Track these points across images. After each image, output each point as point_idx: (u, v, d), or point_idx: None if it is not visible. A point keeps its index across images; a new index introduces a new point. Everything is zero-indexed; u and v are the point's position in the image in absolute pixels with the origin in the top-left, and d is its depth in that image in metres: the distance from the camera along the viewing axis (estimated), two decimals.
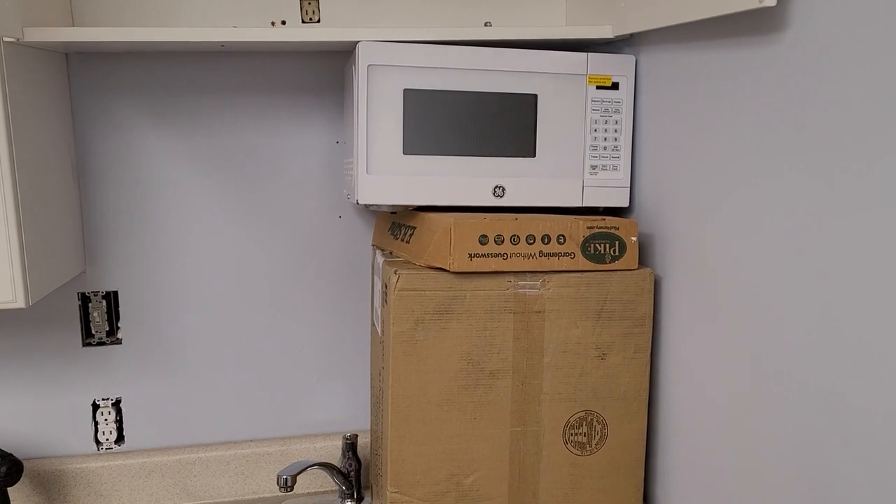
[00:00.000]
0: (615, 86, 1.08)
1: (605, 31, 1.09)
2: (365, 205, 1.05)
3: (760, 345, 0.83)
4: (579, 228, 0.99)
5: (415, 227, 1.06)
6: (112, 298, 1.29)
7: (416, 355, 0.97)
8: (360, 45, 1.02)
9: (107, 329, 1.29)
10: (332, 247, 1.34)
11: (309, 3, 1.26)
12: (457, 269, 0.95)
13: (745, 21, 0.85)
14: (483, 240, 0.96)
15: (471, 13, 1.28)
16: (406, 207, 1.09)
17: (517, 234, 0.97)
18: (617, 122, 1.09)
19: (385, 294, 1.00)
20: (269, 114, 1.29)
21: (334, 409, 1.39)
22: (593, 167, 1.09)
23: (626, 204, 1.10)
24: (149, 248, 1.28)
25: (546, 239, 0.98)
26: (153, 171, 1.27)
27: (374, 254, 1.17)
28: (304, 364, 1.36)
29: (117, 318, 1.29)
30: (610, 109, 1.08)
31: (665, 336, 1.04)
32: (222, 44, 1.10)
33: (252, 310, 1.33)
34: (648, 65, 1.07)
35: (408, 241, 1.07)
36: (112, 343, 1.30)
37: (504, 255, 0.97)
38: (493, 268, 0.96)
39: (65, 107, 1.19)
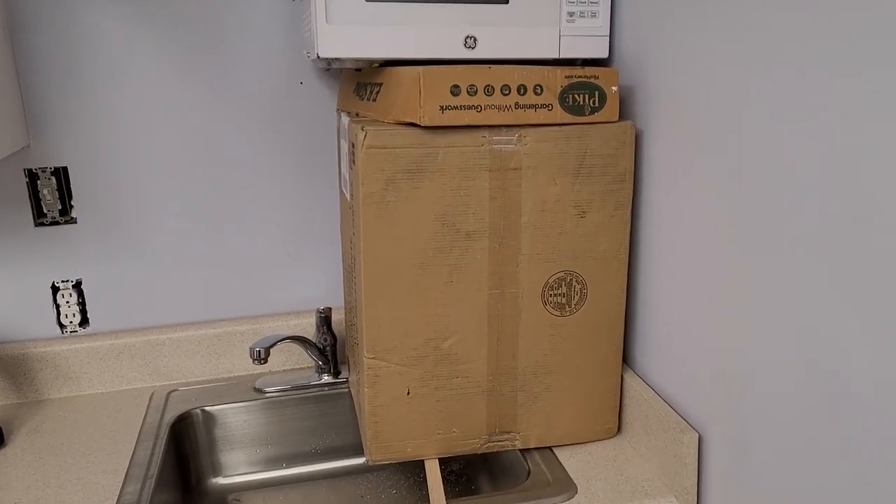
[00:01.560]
0: None
1: None
2: (325, 59, 0.97)
3: (741, 200, 0.79)
4: (557, 78, 0.93)
5: (381, 84, 0.99)
6: (62, 175, 1.21)
7: (388, 217, 0.92)
8: None
9: (59, 208, 1.22)
10: (295, 115, 1.26)
11: None
12: (427, 123, 0.89)
13: None
14: (455, 90, 0.89)
15: None
16: (371, 63, 1.01)
17: (491, 84, 0.91)
18: None
19: (353, 154, 0.94)
20: None
21: (307, 286, 1.35)
22: (570, 14, 1.01)
23: (605, 55, 1.04)
24: (99, 118, 1.20)
25: (522, 89, 0.92)
26: (99, 36, 1.17)
27: (339, 117, 1.10)
28: (273, 239, 1.31)
29: (70, 196, 1.22)
30: None
31: (645, 192, 1.00)
32: None
33: (214, 183, 1.26)
34: None
35: (374, 100, 1.00)
36: (66, 223, 1.23)
37: (478, 108, 0.91)
38: (466, 121, 0.90)
39: None
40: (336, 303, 1.37)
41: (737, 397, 0.84)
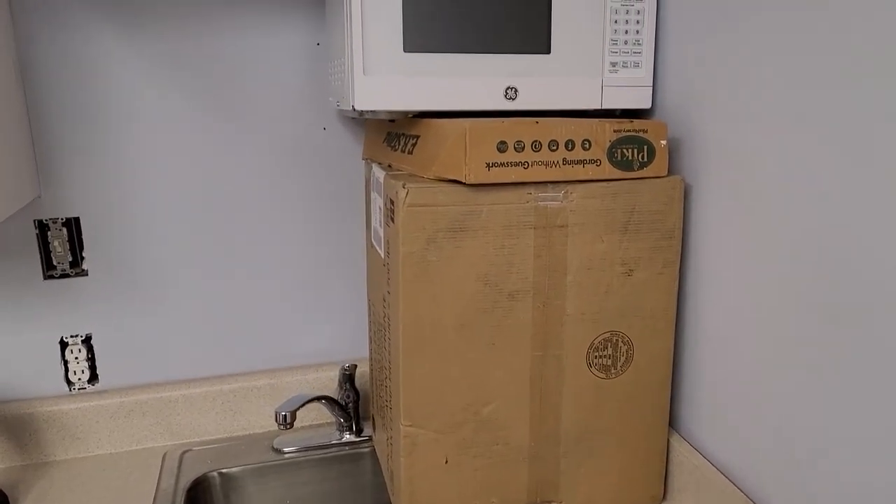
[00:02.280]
0: None
1: None
2: (360, 111, 0.93)
3: (796, 257, 0.75)
4: (605, 132, 0.89)
5: (418, 136, 0.95)
6: (73, 225, 1.15)
7: (428, 278, 0.88)
8: None
9: (70, 259, 1.16)
10: (316, 162, 1.22)
11: None
12: (473, 181, 0.85)
13: None
14: (502, 147, 0.85)
15: None
16: (407, 113, 0.97)
17: (539, 139, 0.86)
18: (639, 12, 0.97)
19: (391, 211, 0.90)
20: (240, 10, 1.14)
21: (326, 339, 1.29)
22: (613, 64, 0.98)
23: (648, 105, 1.00)
24: (111, 167, 1.15)
25: (570, 145, 0.88)
26: (112, 77, 1.12)
27: (371, 169, 1.06)
28: (290, 291, 1.26)
29: (81, 248, 1.16)
30: None
31: (694, 249, 0.96)
32: None
33: (231, 233, 1.21)
34: None
35: (410, 153, 0.96)
36: (77, 275, 1.17)
37: (525, 164, 0.86)
38: (513, 178, 0.86)
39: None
40: (356, 355, 1.31)
41: (804, 471, 0.79)
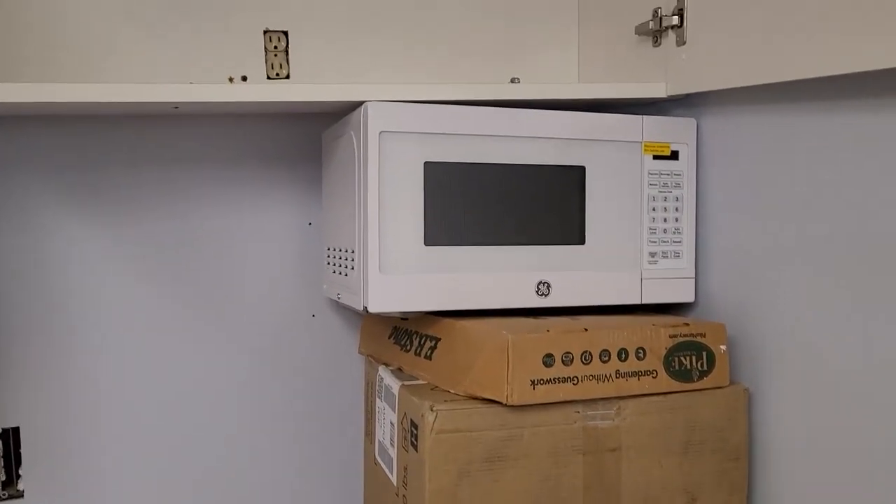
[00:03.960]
0: (674, 155, 0.89)
1: (657, 90, 0.89)
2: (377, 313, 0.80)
3: (887, 471, 0.63)
4: (661, 339, 0.77)
5: (438, 339, 0.82)
6: (11, 437, 0.96)
7: None
8: (367, 105, 0.78)
9: (2, 479, 0.96)
10: (304, 357, 1.07)
11: (275, 55, 1.02)
12: (517, 402, 0.71)
13: (861, 82, 0.67)
14: (548, 360, 0.72)
15: (488, 68, 1.06)
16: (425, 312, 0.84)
17: (589, 350, 0.74)
18: (678, 199, 0.89)
19: (412, 435, 0.74)
20: (225, 190, 1.03)
21: None
22: (652, 255, 0.88)
23: (691, 299, 0.90)
24: (62, 371, 0.97)
25: (623, 354, 0.75)
26: (71, 269, 0.97)
27: (376, 371, 0.91)
28: None
29: (17, 464, 0.96)
30: (669, 183, 0.88)
31: (762, 471, 0.82)
32: (176, 105, 0.84)
33: (200, 440, 1.03)
34: (713, 130, 0.88)
35: (429, 357, 0.82)
36: (10, 497, 0.96)
37: (574, 380, 0.73)
38: (561, 397, 0.73)
39: None
40: None
41: None
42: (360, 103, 0.80)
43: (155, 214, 1.00)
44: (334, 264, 0.93)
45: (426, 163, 0.80)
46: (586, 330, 0.74)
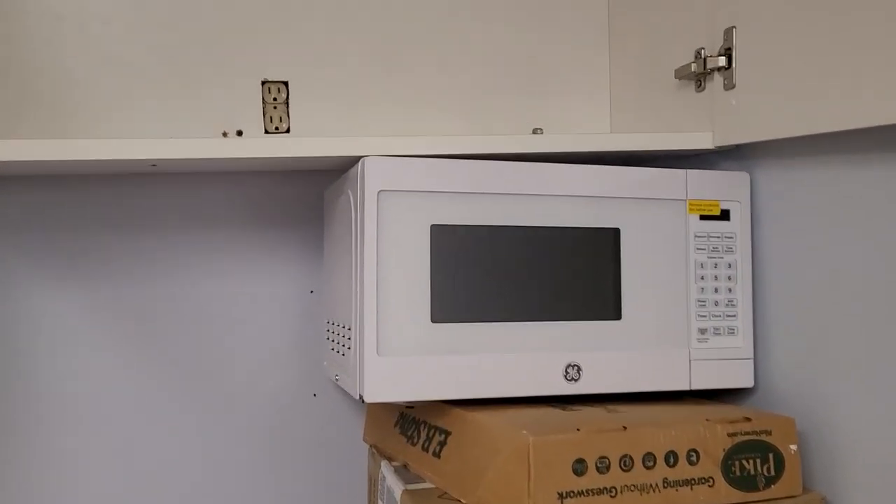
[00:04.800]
0: (725, 214, 0.76)
1: (702, 141, 0.78)
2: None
3: None
4: (717, 438, 0.64)
5: (448, 433, 0.69)
6: None
7: None
8: (364, 161, 0.67)
9: None
10: (303, 441, 0.94)
11: (275, 108, 0.93)
12: None
13: None
14: (580, 468, 0.59)
15: (504, 118, 0.96)
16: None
17: (629, 453, 0.61)
18: (731, 266, 0.76)
19: None
20: (216, 254, 0.93)
21: None
22: (702, 331, 0.75)
23: (750, 384, 0.76)
24: (28, 453, 0.86)
25: (672, 458, 0.62)
26: (39, 341, 0.87)
27: (379, 466, 0.78)
28: None
29: None
30: (720, 248, 0.76)
31: None
32: (153, 163, 0.74)
33: None
34: (768, 185, 0.76)
35: (437, 454, 0.69)
36: None
37: (611, 491, 0.60)
38: None
39: None
40: None
41: None
42: (359, 159, 0.69)
43: (135, 280, 0.90)
44: (333, 340, 0.82)
45: (433, 226, 0.68)
46: (625, 428, 0.61)
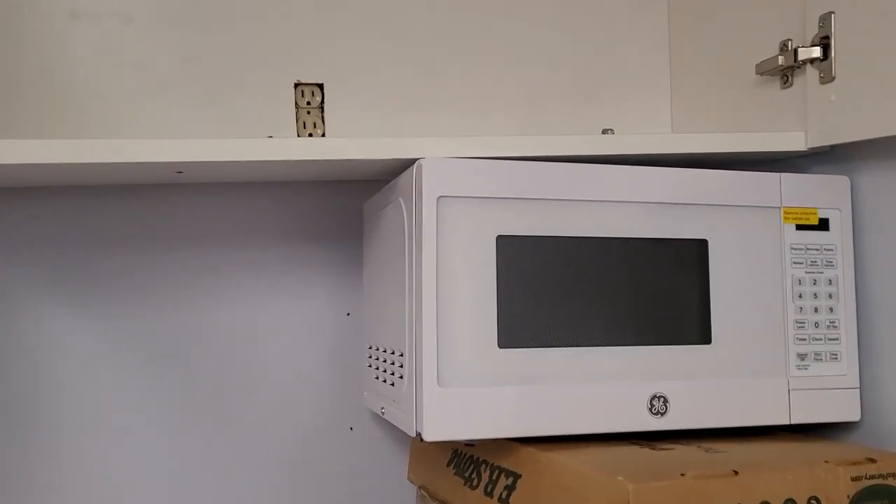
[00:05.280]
0: (823, 224, 0.67)
1: (794, 141, 0.69)
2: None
3: None
4: (839, 482, 0.54)
5: (518, 476, 0.60)
6: None
7: None
8: (422, 164, 0.59)
9: None
10: (338, 478, 0.85)
11: (308, 113, 0.85)
12: None
13: None
14: None
15: (562, 121, 0.88)
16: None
17: (743, 502, 0.51)
18: (832, 283, 0.67)
19: None
20: (244, 273, 0.84)
21: None
22: (801, 357, 0.65)
23: (856, 417, 0.66)
24: (42, 488, 0.78)
25: None
26: (55, 368, 0.78)
27: None
28: None
29: None
30: (819, 261, 0.67)
31: None
32: (180, 170, 0.66)
33: None
34: (870, 189, 0.67)
35: (504, 501, 0.60)
36: None
37: None
38: None
39: None
40: None
41: None
42: (413, 162, 0.61)
43: (156, 303, 0.82)
44: (378, 368, 0.73)
45: (499, 237, 0.60)
46: (736, 473, 0.52)
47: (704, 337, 0.64)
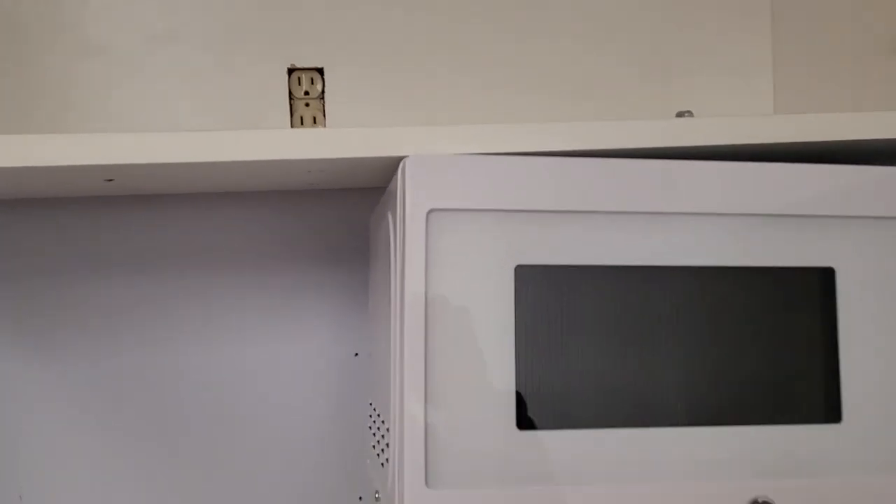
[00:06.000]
0: None
1: None
2: None
3: None
4: None
5: None
6: None
7: None
8: (405, 163, 0.41)
9: None
10: None
11: (307, 105, 0.68)
12: None
13: None
14: None
15: (634, 100, 0.69)
16: None
17: None
18: None
19: None
20: (232, 304, 0.69)
21: None
22: None
23: None
24: None
25: None
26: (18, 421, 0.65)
27: None
28: None
29: None
30: None
31: None
32: (109, 177, 0.51)
33: None
34: None
35: None
36: None
37: None
38: None
39: None
40: None
41: None
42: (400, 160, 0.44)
43: (127, 340, 0.68)
44: (375, 436, 0.56)
45: (519, 268, 0.41)
46: None
47: (831, 413, 0.43)
